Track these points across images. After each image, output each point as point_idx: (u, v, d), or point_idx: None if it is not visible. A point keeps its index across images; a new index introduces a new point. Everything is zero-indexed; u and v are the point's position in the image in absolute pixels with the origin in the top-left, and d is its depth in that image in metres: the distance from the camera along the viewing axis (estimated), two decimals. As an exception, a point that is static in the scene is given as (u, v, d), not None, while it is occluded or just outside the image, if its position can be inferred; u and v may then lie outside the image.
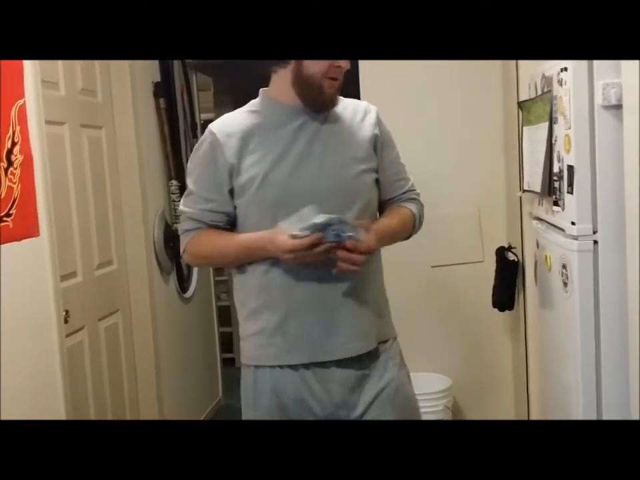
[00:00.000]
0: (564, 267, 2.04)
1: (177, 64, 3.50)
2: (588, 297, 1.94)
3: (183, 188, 3.45)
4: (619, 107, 1.85)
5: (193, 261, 1.70)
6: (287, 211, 1.48)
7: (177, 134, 3.45)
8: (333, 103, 1.57)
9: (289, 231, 1.44)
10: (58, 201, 2.35)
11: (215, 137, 1.56)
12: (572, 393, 2.04)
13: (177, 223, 3.38)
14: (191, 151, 3.68)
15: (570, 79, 1.93)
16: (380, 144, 1.63)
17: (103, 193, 2.86)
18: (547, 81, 2.16)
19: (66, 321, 2.34)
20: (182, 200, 1.63)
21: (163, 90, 3.32)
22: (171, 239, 3.27)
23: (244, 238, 1.55)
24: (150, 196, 3.13)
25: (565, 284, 2.04)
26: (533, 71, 2.42)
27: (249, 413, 1.63)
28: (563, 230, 2.05)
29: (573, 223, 1.97)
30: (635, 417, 1.78)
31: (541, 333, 2.56)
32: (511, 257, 2.97)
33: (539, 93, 2.29)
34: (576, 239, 1.96)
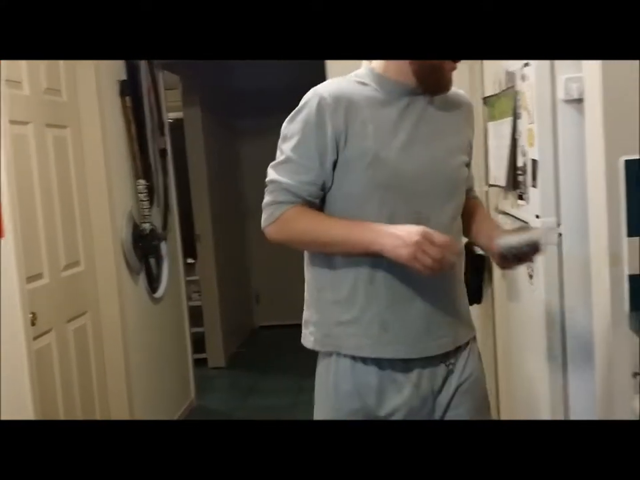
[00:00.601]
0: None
1: (143, 62, 3.47)
2: (553, 289, 1.98)
3: (150, 188, 3.45)
4: (580, 100, 1.89)
5: (279, 235, 1.45)
6: (393, 195, 1.41)
7: (144, 133, 3.42)
8: (450, 86, 1.49)
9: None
10: (23, 201, 2.32)
11: (324, 99, 1.38)
12: (538, 384, 2.08)
13: (144, 222, 3.35)
14: (158, 150, 3.68)
15: (532, 74, 1.97)
16: (472, 139, 1.60)
17: (69, 192, 2.83)
18: (510, 76, 2.19)
19: (33, 324, 2.31)
20: (272, 169, 1.45)
21: (129, 88, 3.29)
22: (139, 238, 3.25)
23: (352, 220, 1.40)
24: (117, 195, 3.10)
25: (531, 276, 2.08)
26: (497, 67, 2.46)
27: (327, 401, 1.52)
28: (527, 223, 2.08)
29: (537, 216, 2.00)
30: (600, 409, 1.82)
31: (508, 326, 2.60)
32: (479, 250, 3.01)
33: (503, 88, 2.32)
34: (541, 232, 1.99)
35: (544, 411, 2.05)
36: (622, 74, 1.68)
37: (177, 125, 4.67)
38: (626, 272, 1.70)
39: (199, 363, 4.57)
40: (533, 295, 2.09)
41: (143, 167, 3.37)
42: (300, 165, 1.41)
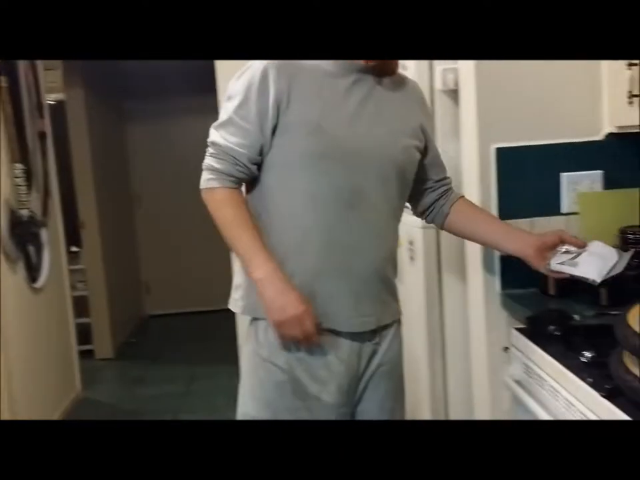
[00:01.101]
0: (410, 242, 2.17)
1: (18, 40, 3.28)
2: (432, 270, 2.08)
3: (28, 172, 3.28)
4: (455, 91, 1.98)
5: (207, 205, 1.44)
6: (332, 167, 1.38)
7: (21, 114, 3.24)
8: (395, 69, 1.49)
9: None
10: None
11: (269, 65, 1.38)
12: (420, 361, 2.18)
13: (22, 208, 3.19)
14: (37, 133, 3.49)
15: (412, 64, 2.04)
16: (426, 125, 1.57)
17: (-63, 177, 2.64)
18: (393, 65, 2.27)
19: None
20: (214, 129, 1.42)
21: (5, 68, 3.10)
22: (16, 225, 3.09)
23: (262, 251, 1.38)
24: (-8, 180, 2.93)
25: (412, 258, 2.17)
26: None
27: (253, 371, 1.47)
28: (407, 207, 2.17)
29: (417, 201, 2.09)
30: (475, 381, 1.94)
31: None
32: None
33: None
34: (420, 216, 2.08)
35: (423, 385, 2.16)
36: (494, 66, 1.78)
37: (59, 107, 4.46)
38: (497, 253, 1.81)
39: (86, 355, 4.42)
40: (414, 276, 2.18)
41: (20, 150, 3.20)
42: (240, 127, 1.39)
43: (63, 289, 3.91)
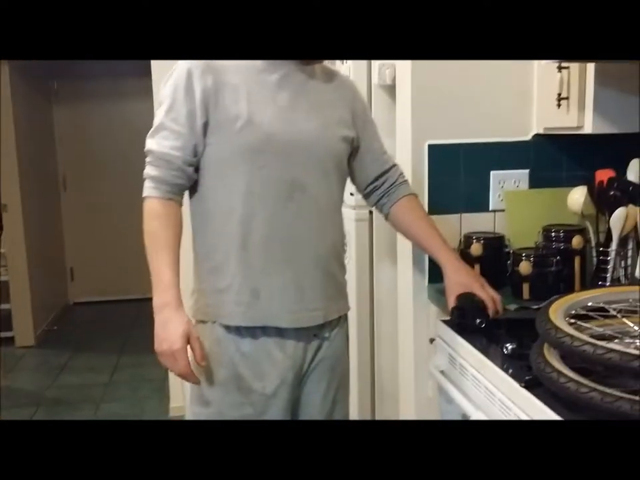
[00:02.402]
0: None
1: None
2: (364, 262, 2.11)
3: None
4: (393, 86, 2.01)
5: (143, 217, 1.43)
6: (268, 161, 1.39)
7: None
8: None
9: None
10: None
11: (192, 64, 1.38)
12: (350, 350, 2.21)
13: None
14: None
15: (350, 57, 2.06)
16: (361, 118, 1.57)
17: None
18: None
19: None
20: (149, 137, 1.42)
21: None
22: None
23: (168, 278, 1.37)
24: None
25: (345, 250, 2.19)
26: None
27: (199, 370, 1.45)
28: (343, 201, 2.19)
29: (351, 194, 2.12)
30: (402, 371, 1.98)
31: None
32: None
33: (324, 69, 2.40)
34: (354, 209, 2.11)
35: (352, 375, 2.19)
36: (431, 63, 1.81)
37: (-19, 84, 4.27)
38: (426, 247, 1.85)
39: (6, 342, 4.27)
40: (347, 268, 2.21)
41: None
42: (171, 130, 1.39)
43: (-18, 274, 3.75)
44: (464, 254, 1.80)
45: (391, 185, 1.66)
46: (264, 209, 1.41)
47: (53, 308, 5.21)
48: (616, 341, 1.17)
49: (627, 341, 1.18)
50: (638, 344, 1.15)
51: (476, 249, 1.77)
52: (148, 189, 1.41)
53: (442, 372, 1.60)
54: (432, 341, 1.73)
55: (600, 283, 1.67)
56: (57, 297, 5.40)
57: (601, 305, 1.31)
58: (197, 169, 1.43)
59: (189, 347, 1.37)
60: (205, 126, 1.39)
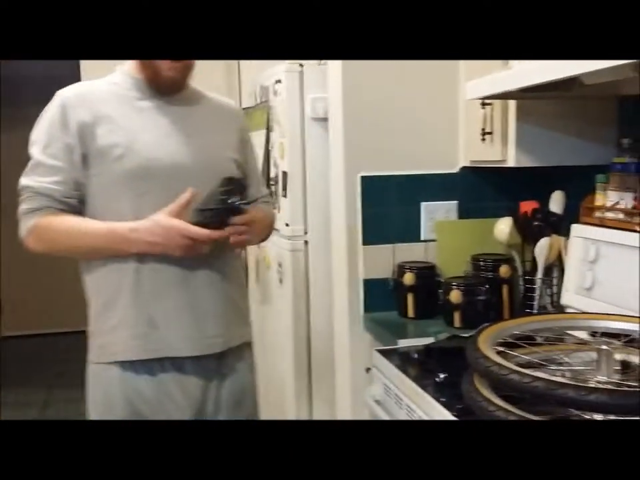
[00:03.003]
0: (279, 264, 2.20)
1: None
2: (300, 292, 2.12)
3: None
4: (325, 119, 2.05)
5: (39, 245, 1.41)
6: (151, 186, 1.36)
7: None
8: (176, 85, 1.44)
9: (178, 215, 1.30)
10: None
11: (67, 97, 1.38)
12: (287, 383, 2.21)
13: None
14: None
15: (284, 91, 2.09)
16: (246, 146, 1.57)
17: None
18: (264, 91, 2.31)
19: None
20: (23, 176, 1.39)
21: None
22: None
23: (110, 225, 1.36)
24: None
25: (281, 280, 2.20)
26: (253, 80, 2.56)
27: (97, 415, 1.41)
28: (278, 230, 2.20)
29: (287, 224, 2.13)
30: (339, 401, 1.99)
31: (263, 328, 2.71)
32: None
33: (259, 101, 2.43)
34: (289, 239, 2.12)
35: (289, 406, 2.18)
36: (362, 97, 1.86)
37: None
38: (361, 277, 1.88)
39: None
40: (282, 298, 2.22)
41: None
42: (49, 166, 1.37)
43: None
44: (397, 283, 1.84)
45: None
46: None
47: (-21, 342, 5.00)
48: (542, 368, 1.21)
49: (552, 368, 1.22)
50: (563, 371, 1.19)
51: (409, 278, 1.81)
52: (26, 219, 1.39)
53: (377, 401, 1.62)
54: (368, 370, 1.75)
55: (527, 310, 1.73)
56: (-16, 331, 5.19)
57: (528, 333, 1.35)
58: (82, 202, 1.41)
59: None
60: (84, 158, 1.38)
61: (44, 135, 1.39)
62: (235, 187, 1.35)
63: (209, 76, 3.11)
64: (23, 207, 1.39)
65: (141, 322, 1.39)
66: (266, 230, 1.60)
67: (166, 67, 1.38)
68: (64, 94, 1.40)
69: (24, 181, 1.39)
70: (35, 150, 1.39)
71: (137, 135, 1.38)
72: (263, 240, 1.66)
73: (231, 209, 1.33)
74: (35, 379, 4.37)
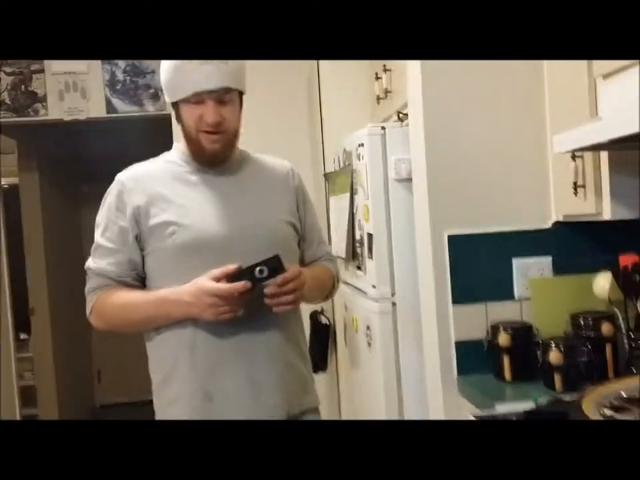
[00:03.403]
0: (368, 327, 2.17)
1: (-26, 126, 3.28)
2: (389, 355, 2.07)
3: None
4: (409, 180, 2.04)
5: (100, 323, 1.53)
6: (203, 257, 1.41)
7: (-27, 200, 3.20)
8: (218, 158, 1.49)
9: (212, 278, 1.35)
10: None
11: (122, 183, 1.49)
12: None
13: None
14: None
15: (367, 154, 2.11)
16: (302, 205, 1.59)
17: None
18: (348, 155, 2.34)
19: None
20: (90, 257, 1.51)
21: (-42, 153, 3.09)
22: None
23: (153, 293, 1.45)
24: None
25: (369, 344, 2.16)
26: (336, 145, 2.61)
27: None
28: (365, 293, 2.18)
29: (373, 287, 2.11)
30: None
31: (352, 392, 2.66)
32: (323, 320, 3.09)
33: (342, 166, 2.46)
34: (377, 302, 2.09)
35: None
36: (445, 155, 1.85)
37: (13, 191, 4.42)
38: (452, 338, 1.83)
39: (30, 448, 4.19)
40: (371, 361, 2.17)
41: (-30, 235, 3.14)
42: (106, 248, 1.48)
43: (10, 379, 3.75)
44: (492, 344, 1.77)
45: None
46: None
47: (79, 411, 5.16)
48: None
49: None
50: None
51: (504, 339, 1.73)
52: (88, 298, 1.51)
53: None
54: (464, 437, 1.66)
55: (635, 370, 1.61)
56: (83, 400, 5.36)
57: (637, 395, 1.26)
58: (138, 280, 1.49)
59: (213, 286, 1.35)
60: (138, 238, 1.46)
61: (103, 219, 1.51)
62: (269, 262, 1.36)
63: (294, 142, 3.22)
64: (86, 286, 1.52)
65: (198, 395, 1.42)
66: (322, 288, 1.60)
67: (207, 140, 1.45)
68: (121, 178, 1.51)
69: (87, 262, 1.52)
70: (96, 233, 1.52)
71: (188, 210, 1.45)
72: (324, 299, 1.67)
73: (257, 279, 1.35)
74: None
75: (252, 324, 1.42)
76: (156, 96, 3.48)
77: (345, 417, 2.97)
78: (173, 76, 1.43)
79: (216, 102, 1.42)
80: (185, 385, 1.43)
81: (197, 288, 1.37)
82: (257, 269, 1.35)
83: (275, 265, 1.36)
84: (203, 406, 1.41)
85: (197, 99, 1.41)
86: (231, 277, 1.36)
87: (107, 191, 1.52)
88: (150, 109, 3.50)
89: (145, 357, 1.55)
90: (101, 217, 1.52)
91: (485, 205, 1.86)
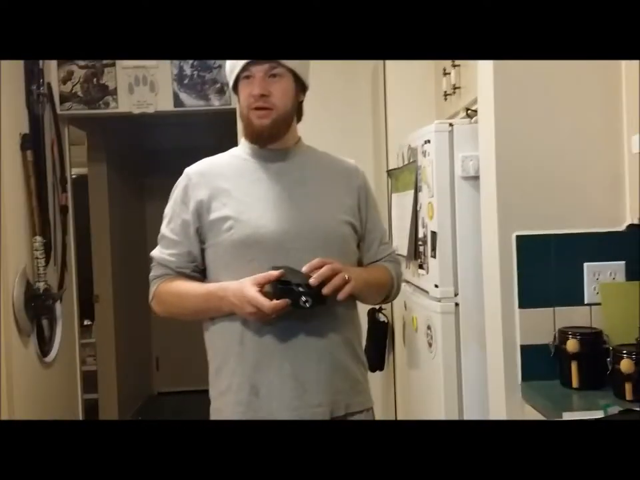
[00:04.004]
0: (429, 327, 2.13)
1: (47, 116, 3.38)
2: (450, 357, 2.03)
3: (48, 245, 3.31)
4: (476, 178, 2.00)
5: (160, 310, 1.58)
6: (258, 253, 1.43)
7: (44, 188, 3.30)
8: (264, 134, 1.49)
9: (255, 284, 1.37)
10: None
11: (189, 177, 1.54)
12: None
13: (39, 281, 3.20)
14: (59, 206, 3.56)
15: (433, 150, 2.07)
16: (364, 206, 1.57)
17: (-42, 247, 2.66)
18: (413, 151, 2.30)
19: None
20: (156, 247, 1.58)
21: (31, 142, 3.18)
22: (31, 298, 3.08)
23: (205, 285, 1.49)
24: (10, 252, 2.95)
25: (430, 344, 2.12)
26: (401, 141, 2.57)
27: None
28: (427, 292, 2.14)
29: (436, 286, 2.07)
30: None
31: (409, 393, 2.63)
32: (381, 318, 3.06)
33: (406, 162, 2.42)
34: (439, 301, 2.05)
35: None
36: (515, 153, 1.79)
37: (82, 181, 4.55)
38: (518, 342, 1.77)
39: (91, 432, 4.31)
40: (432, 362, 2.13)
41: (40, 223, 3.22)
42: (169, 239, 1.54)
43: (74, 364, 3.86)
44: (559, 350, 1.71)
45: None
46: None
47: (138, 398, 5.29)
48: None
49: None
50: None
51: (572, 345, 1.67)
52: (151, 286, 1.56)
53: None
54: (527, 444, 1.61)
55: None
56: (142, 387, 5.48)
57: None
58: (197, 271, 1.53)
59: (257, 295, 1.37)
60: (199, 231, 1.50)
61: (169, 211, 1.57)
62: (313, 292, 1.35)
63: (357, 138, 3.20)
64: (150, 274, 1.57)
65: (245, 389, 1.44)
66: (379, 289, 1.58)
67: (255, 116, 1.47)
68: (188, 172, 1.55)
69: (154, 250, 1.58)
70: (163, 224, 1.58)
71: (248, 205, 1.47)
72: (383, 300, 1.65)
73: (297, 292, 1.35)
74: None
75: (302, 322, 1.42)
76: (222, 91, 3.51)
77: (400, 416, 2.93)
78: (232, 61, 1.48)
79: (264, 75, 1.44)
80: (233, 378, 1.46)
81: (241, 293, 1.39)
82: (302, 299, 1.35)
83: (318, 297, 1.35)
84: (249, 400, 1.43)
85: (247, 73, 1.44)
86: (274, 285, 1.37)
87: (176, 184, 1.57)
88: (215, 103, 3.53)
89: (201, 347, 1.58)
90: (169, 208, 1.57)
91: (556, 205, 1.80)
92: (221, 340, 1.50)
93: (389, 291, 1.61)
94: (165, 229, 1.56)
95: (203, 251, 1.51)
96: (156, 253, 1.57)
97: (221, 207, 1.48)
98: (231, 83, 1.51)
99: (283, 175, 1.51)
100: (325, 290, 1.36)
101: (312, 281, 1.35)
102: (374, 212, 1.62)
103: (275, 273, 1.37)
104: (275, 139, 1.51)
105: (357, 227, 1.54)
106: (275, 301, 1.35)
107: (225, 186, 1.50)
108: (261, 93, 1.44)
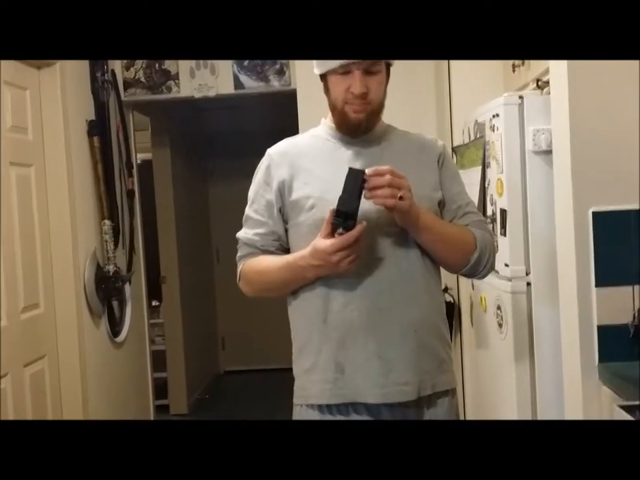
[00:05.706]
0: (499, 308, 2.07)
1: (112, 102, 3.44)
2: (522, 338, 1.97)
3: (116, 228, 3.39)
4: (548, 152, 1.91)
5: (247, 289, 1.59)
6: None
7: (111, 173, 3.37)
8: (361, 127, 1.48)
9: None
10: (-18, 240, 2.24)
11: (270, 157, 1.55)
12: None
13: (108, 264, 3.28)
14: (126, 191, 3.63)
15: (502, 125, 1.99)
16: (446, 176, 1.54)
17: (31, 232, 2.75)
18: (480, 126, 2.22)
19: (-13, 368, 2.21)
20: (243, 227, 1.61)
21: (98, 128, 3.25)
22: (102, 280, 3.16)
23: (286, 257, 1.50)
24: (81, 236, 3.03)
25: (500, 325, 2.07)
26: (466, 116, 2.49)
27: None
28: (497, 272, 2.08)
29: (506, 265, 2.01)
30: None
31: (477, 374, 2.57)
32: (447, 298, 3.00)
33: (472, 138, 2.35)
34: (510, 281, 1.99)
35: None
36: (591, 125, 1.71)
37: (146, 166, 4.63)
38: (595, 323, 1.70)
39: (161, 410, 4.43)
40: (502, 343, 2.08)
41: (109, 207, 3.30)
42: (254, 220, 1.55)
43: (143, 344, 3.96)
44: (639, 330, 1.63)
45: None
46: (340, 279, 1.42)
47: (205, 376, 5.39)
48: None
49: None
50: None
51: (654, 325, 1.59)
52: (238, 266, 1.57)
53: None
54: (606, 428, 1.55)
55: None
56: (209, 366, 5.59)
57: None
58: (281, 250, 1.53)
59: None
60: (282, 211, 1.51)
61: (253, 193, 1.58)
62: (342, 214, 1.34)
63: (420, 113, 3.12)
64: (237, 255, 1.58)
65: (330, 367, 1.44)
66: (454, 244, 1.49)
67: (352, 110, 1.45)
68: (270, 153, 1.56)
69: (238, 232, 1.59)
70: (248, 205, 1.59)
71: (329, 184, 1.44)
72: (474, 270, 1.51)
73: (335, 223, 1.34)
74: (254, 413, 4.58)
75: (381, 302, 1.42)
76: (281, 71, 3.48)
77: (468, 400, 2.88)
78: None
79: (363, 72, 1.42)
80: (319, 356, 1.45)
81: (321, 251, 1.37)
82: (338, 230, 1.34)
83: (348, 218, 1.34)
84: (335, 377, 1.43)
85: (345, 69, 1.42)
86: (335, 220, 1.35)
87: (258, 165, 1.57)
88: (275, 84, 3.50)
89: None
90: (252, 189, 1.58)
91: (635, 179, 1.71)
92: (303, 318, 1.49)
93: (469, 252, 1.49)
94: (249, 210, 1.58)
95: (287, 230, 1.53)
96: (241, 233, 1.58)
97: (302, 186, 1.49)
98: (320, 71, 1.47)
99: (363, 155, 1.50)
100: (368, 195, 1.34)
101: (366, 193, 1.34)
102: (456, 182, 1.57)
103: (328, 216, 1.36)
104: (369, 130, 1.51)
105: (439, 200, 1.52)
106: (350, 233, 1.33)
107: (306, 165, 1.50)
108: (362, 92, 1.43)
